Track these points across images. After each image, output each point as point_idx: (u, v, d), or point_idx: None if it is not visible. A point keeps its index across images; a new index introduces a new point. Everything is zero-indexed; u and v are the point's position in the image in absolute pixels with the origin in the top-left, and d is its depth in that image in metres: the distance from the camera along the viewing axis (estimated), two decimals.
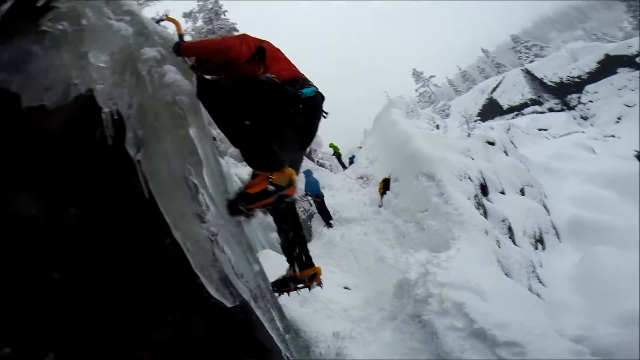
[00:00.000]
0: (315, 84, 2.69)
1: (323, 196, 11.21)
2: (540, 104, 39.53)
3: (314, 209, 11.41)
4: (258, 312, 2.74)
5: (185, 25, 18.26)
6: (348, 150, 26.05)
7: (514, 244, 8.82)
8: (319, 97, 2.67)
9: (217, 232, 2.29)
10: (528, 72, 42.25)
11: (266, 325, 2.82)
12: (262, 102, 2.41)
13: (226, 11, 18.42)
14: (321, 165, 22.54)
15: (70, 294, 2.09)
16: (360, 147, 21.01)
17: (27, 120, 1.95)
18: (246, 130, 2.32)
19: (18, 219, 1.90)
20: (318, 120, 2.75)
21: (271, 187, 2.18)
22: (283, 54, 2.81)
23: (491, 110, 41.89)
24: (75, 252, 2.11)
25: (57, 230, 2.04)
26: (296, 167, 2.74)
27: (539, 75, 40.61)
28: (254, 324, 3.83)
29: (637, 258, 7.02)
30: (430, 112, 23.21)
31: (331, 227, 10.52)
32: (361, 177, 13.85)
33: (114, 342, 2.36)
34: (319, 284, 3.09)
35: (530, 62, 45.58)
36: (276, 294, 3.03)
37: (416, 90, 57.98)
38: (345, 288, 6.82)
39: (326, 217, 10.86)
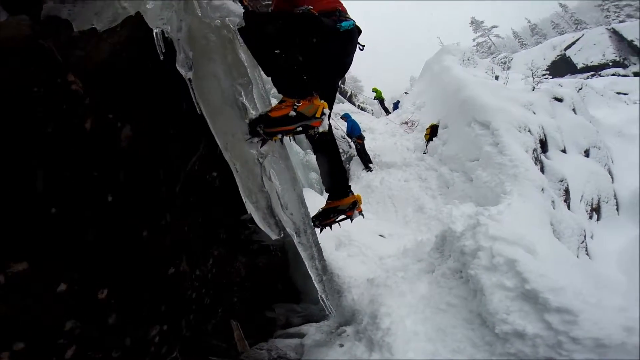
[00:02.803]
0: (352, 17, 2.76)
1: (364, 138, 10.82)
2: (624, 66, 35.56)
3: (353, 151, 11.17)
4: (300, 248, 2.78)
5: None
6: (392, 97, 25.17)
7: (568, 208, 8.20)
8: (355, 30, 2.76)
9: (266, 153, 2.37)
10: (615, 32, 37.86)
11: (306, 262, 2.91)
12: (297, 33, 2.45)
13: None
14: (362, 109, 21.92)
15: (120, 220, 2.14)
16: (406, 93, 20.15)
17: (79, 44, 1.99)
18: (276, 57, 2.31)
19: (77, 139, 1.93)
20: (353, 52, 2.84)
21: (293, 113, 2.20)
22: None
23: (562, 67, 38.05)
24: (128, 175, 2.21)
25: (113, 149, 2.13)
26: (330, 98, 2.81)
27: (629, 36, 36.22)
28: (289, 265, 3.79)
29: None
30: (489, 63, 21.40)
31: (370, 170, 10.29)
32: (406, 123, 13.35)
33: (160, 277, 2.53)
34: (360, 212, 3.10)
35: (620, 22, 40.60)
36: (317, 229, 3.06)
37: (474, 40, 54.45)
38: (380, 236, 6.58)
39: (366, 160, 10.60)
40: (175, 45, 2.14)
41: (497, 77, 15.57)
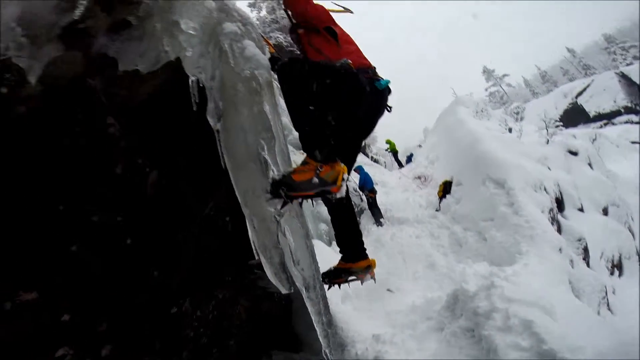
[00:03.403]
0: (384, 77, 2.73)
1: (376, 192, 10.92)
2: (636, 112, 35.15)
3: (364, 204, 11.16)
4: (308, 303, 2.75)
5: (252, 15, 19.70)
6: (405, 148, 25.45)
7: (588, 266, 8.07)
8: (387, 91, 2.72)
9: (285, 212, 2.34)
10: (624, 76, 37.75)
11: (313, 317, 2.83)
12: (334, 87, 2.39)
13: None
14: (375, 161, 22.29)
15: (134, 261, 2.23)
16: (420, 146, 20.47)
17: (123, 84, 2.14)
18: (310, 113, 2.35)
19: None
20: (382, 113, 2.79)
21: (316, 180, 2.18)
22: (353, 40, 2.89)
23: (575, 116, 38.18)
24: (149, 219, 2.30)
25: (138, 194, 2.24)
26: (352, 159, 2.81)
27: (638, 80, 35.99)
28: (292, 313, 3.82)
29: None
30: (502, 114, 21.83)
31: (381, 225, 10.18)
32: (419, 177, 13.34)
33: (162, 316, 2.56)
34: (372, 277, 3.03)
35: (628, 64, 40.91)
36: (326, 286, 3.06)
37: (486, 90, 55.57)
38: (389, 290, 6.54)
39: (377, 214, 10.55)
40: (208, 94, 2.19)
41: (510, 130, 15.75)
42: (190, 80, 2.14)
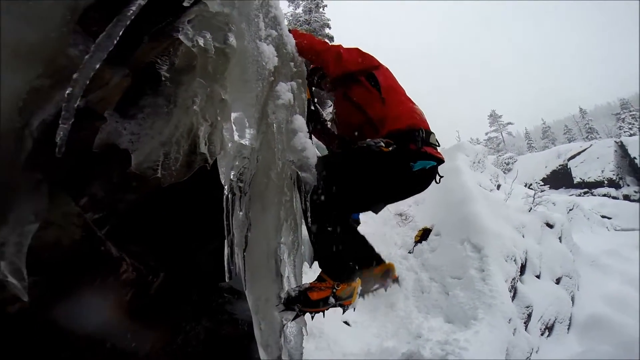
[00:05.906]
0: (437, 140, 2.42)
1: (359, 224, 11.24)
2: (617, 187, 36.17)
3: None
4: None
5: (287, 9, 19.59)
6: None
7: (526, 329, 9.00)
8: (436, 168, 2.43)
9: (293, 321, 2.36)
10: (621, 146, 38.17)
11: None
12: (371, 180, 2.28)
13: (325, 5, 19.71)
14: None
15: None
16: None
17: (133, 185, 1.61)
18: (331, 232, 2.18)
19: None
20: (427, 186, 2.53)
21: (332, 300, 2.16)
22: (399, 84, 2.61)
23: (561, 178, 39.77)
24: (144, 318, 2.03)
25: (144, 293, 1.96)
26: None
27: (633, 153, 36.49)
28: (253, 338, 3.96)
29: None
30: (494, 163, 22.22)
31: None
32: (400, 215, 13.19)
33: None
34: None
35: (631, 135, 41.33)
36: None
37: (486, 134, 56.73)
38: (345, 323, 7.06)
39: None
40: (238, 200, 1.85)
41: (499, 187, 16.14)
42: (225, 197, 1.70)
